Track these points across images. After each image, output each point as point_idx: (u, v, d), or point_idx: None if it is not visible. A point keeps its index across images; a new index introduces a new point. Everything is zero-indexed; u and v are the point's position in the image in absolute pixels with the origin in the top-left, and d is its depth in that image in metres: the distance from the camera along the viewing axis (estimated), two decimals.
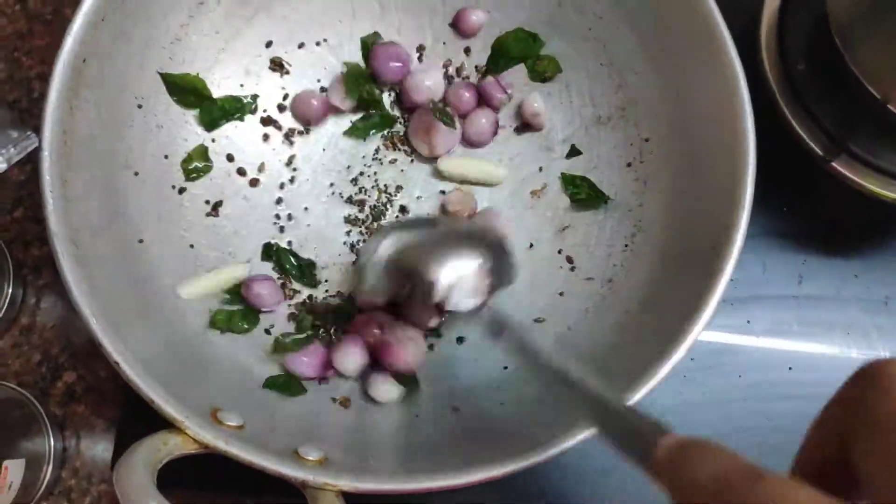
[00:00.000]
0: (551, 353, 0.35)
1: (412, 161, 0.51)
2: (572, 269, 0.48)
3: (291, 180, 0.50)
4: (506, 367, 0.45)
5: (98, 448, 0.52)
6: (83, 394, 0.53)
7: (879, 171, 0.52)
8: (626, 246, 0.46)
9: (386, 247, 0.42)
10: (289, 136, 0.50)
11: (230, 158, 0.49)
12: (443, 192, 0.50)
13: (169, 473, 0.34)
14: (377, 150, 0.51)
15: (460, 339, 0.47)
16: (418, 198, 0.51)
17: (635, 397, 0.37)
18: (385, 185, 0.50)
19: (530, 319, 0.47)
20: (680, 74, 0.45)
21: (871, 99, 0.47)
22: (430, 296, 0.39)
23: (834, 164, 0.52)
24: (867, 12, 0.46)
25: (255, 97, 0.50)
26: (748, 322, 0.52)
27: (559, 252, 0.49)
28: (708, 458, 0.24)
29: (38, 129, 0.55)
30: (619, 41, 0.48)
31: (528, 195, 0.50)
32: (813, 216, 0.55)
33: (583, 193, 0.49)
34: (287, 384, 0.43)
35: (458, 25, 0.51)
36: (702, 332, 0.50)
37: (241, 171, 0.49)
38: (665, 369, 0.37)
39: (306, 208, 0.50)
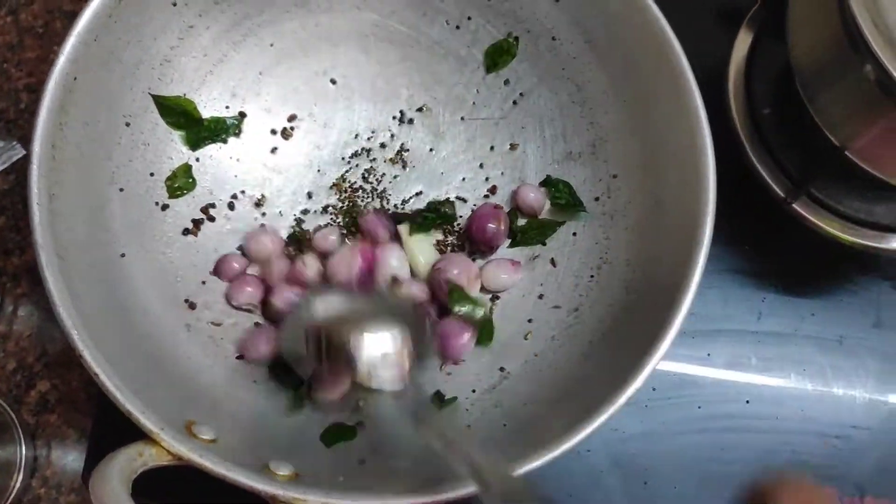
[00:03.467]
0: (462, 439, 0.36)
1: (400, 172, 0.53)
2: (540, 297, 0.49)
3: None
4: (474, 391, 0.47)
5: (68, 458, 0.52)
6: (56, 403, 0.53)
7: (837, 214, 0.55)
8: (592, 277, 0.48)
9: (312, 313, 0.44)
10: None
11: (213, 178, 0.50)
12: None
13: (141, 485, 0.35)
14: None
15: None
16: (403, 202, 0.53)
17: (597, 422, 0.38)
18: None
19: (500, 344, 0.48)
20: (648, 116, 0.47)
21: (830, 146, 0.49)
22: (354, 372, 0.40)
23: (795, 206, 0.54)
24: (827, 65, 0.49)
25: (240, 118, 0.51)
26: (708, 355, 0.54)
27: (529, 281, 0.50)
28: None
29: (23, 140, 0.56)
30: (591, 81, 0.50)
31: None
32: (774, 255, 0.57)
33: (563, 199, 0.50)
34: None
35: None
36: (663, 364, 0.52)
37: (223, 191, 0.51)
38: (623, 398, 0.38)
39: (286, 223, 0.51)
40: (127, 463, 0.34)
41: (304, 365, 0.43)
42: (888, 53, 0.43)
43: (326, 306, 0.44)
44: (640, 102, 0.48)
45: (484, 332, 0.48)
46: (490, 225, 0.50)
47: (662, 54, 0.45)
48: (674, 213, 0.44)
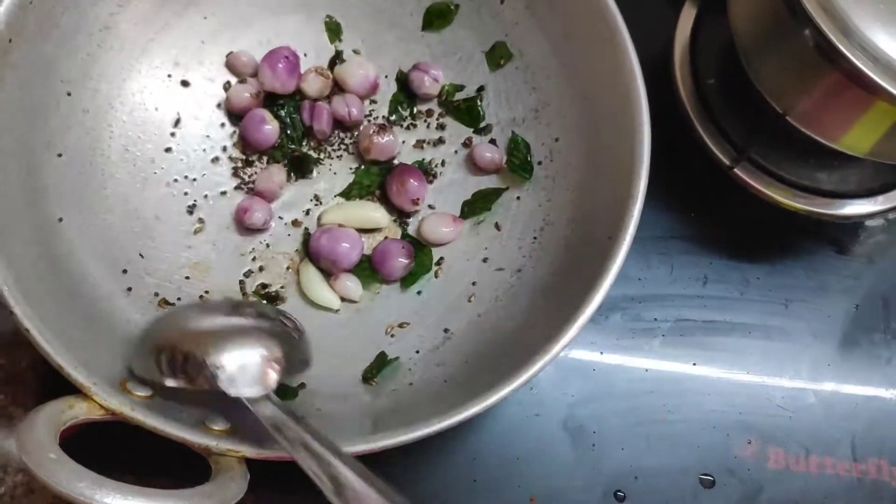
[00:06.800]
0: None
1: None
2: (485, 260, 0.50)
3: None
4: (417, 351, 0.47)
5: None
6: (3, 383, 0.52)
7: (782, 180, 0.56)
8: (535, 238, 0.49)
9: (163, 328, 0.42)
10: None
11: (154, 145, 0.50)
12: None
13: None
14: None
15: None
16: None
17: (532, 371, 0.38)
18: None
19: (444, 307, 0.49)
20: (587, 78, 0.48)
21: (772, 112, 0.50)
22: (215, 383, 0.38)
23: (738, 172, 0.55)
24: (767, 33, 0.50)
25: (182, 87, 0.51)
26: (655, 319, 0.55)
27: (474, 246, 0.51)
28: None
29: None
30: (532, 47, 0.50)
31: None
32: (720, 222, 0.58)
33: (517, 160, 0.51)
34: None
35: None
36: (611, 328, 0.53)
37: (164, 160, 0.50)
38: (559, 346, 0.39)
39: (223, 192, 0.51)
40: (56, 414, 0.34)
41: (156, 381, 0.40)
42: (825, 18, 0.44)
43: (184, 321, 0.42)
44: (579, 65, 0.48)
45: (421, 263, 0.50)
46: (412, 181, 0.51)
47: (599, 15, 0.45)
48: (611, 172, 0.44)
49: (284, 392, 0.44)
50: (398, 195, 0.51)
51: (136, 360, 0.41)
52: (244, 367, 0.38)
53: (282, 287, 0.49)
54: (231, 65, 0.52)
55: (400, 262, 0.49)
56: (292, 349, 0.41)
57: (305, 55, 0.53)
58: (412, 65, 0.53)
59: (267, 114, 0.51)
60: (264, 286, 0.49)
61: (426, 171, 0.52)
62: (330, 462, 0.33)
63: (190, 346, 0.39)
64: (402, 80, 0.53)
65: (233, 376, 0.38)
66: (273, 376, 0.39)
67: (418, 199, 0.50)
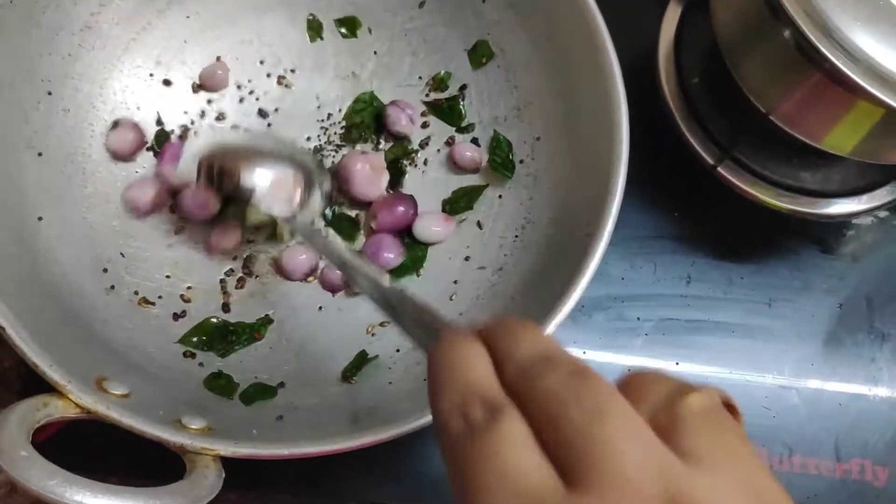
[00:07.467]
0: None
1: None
2: (466, 258, 0.50)
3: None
4: (398, 350, 0.47)
5: None
6: None
7: (766, 180, 0.56)
8: (517, 237, 0.49)
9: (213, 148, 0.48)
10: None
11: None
12: None
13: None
14: None
15: None
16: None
17: None
18: None
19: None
20: (568, 77, 0.48)
21: (755, 111, 0.50)
22: (250, 198, 0.45)
23: (722, 171, 0.55)
24: (749, 33, 0.50)
25: (164, 86, 0.51)
26: (638, 319, 0.55)
27: (456, 244, 0.51)
28: (534, 336, 0.24)
29: None
30: (514, 45, 0.50)
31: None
32: (703, 222, 0.58)
33: (499, 158, 0.51)
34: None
35: None
36: (594, 327, 0.53)
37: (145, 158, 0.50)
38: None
39: None
40: (29, 412, 0.34)
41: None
42: (805, 19, 0.44)
43: (222, 144, 0.49)
44: (559, 63, 0.48)
45: (414, 257, 0.50)
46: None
47: (579, 13, 0.45)
48: (591, 169, 0.44)
49: (263, 391, 0.44)
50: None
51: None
52: (275, 185, 0.45)
53: (263, 284, 0.49)
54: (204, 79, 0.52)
55: (387, 256, 0.49)
56: (316, 179, 0.47)
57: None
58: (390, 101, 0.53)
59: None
60: (245, 283, 0.49)
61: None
62: (356, 268, 0.38)
63: (229, 164, 0.46)
64: (378, 113, 0.53)
65: (264, 193, 0.45)
66: (298, 197, 0.46)
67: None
